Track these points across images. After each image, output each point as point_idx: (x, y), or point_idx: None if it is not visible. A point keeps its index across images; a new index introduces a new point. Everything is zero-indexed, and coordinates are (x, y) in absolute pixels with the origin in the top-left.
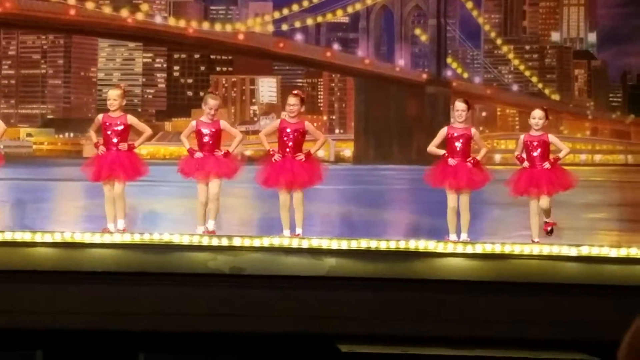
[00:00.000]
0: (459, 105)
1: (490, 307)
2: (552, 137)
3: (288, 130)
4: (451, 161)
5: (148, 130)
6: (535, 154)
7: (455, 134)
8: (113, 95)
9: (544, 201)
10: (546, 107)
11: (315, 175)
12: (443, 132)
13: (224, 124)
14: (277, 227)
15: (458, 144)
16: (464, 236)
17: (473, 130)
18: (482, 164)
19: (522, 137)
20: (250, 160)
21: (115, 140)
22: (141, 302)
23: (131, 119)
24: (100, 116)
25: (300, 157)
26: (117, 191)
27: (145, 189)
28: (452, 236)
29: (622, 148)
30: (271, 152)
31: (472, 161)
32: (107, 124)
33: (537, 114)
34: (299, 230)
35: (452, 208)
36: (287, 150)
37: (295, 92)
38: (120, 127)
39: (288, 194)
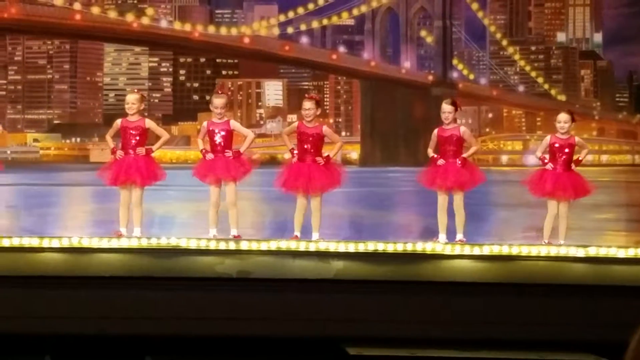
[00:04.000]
0: (445, 108)
1: (498, 309)
2: (578, 140)
3: (306, 134)
4: (440, 161)
5: (165, 135)
6: (561, 157)
7: (445, 135)
8: (131, 100)
9: (564, 207)
10: (571, 109)
11: (334, 180)
12: (435, 133)
13: (234, 124)
14: (288, 230)
15: (449, 146)
16: (459, 236)
17: (462, 129)
18: (472, 163)
19: (547, 138)
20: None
21: (133, 144)
22: (148, 306)
23: (149, 123)
24: (118, 121)
25: (320, 160)
26: (135, 199)
27: (153, 193)
28: (441, 237)
29: (629, 148)
30: (292, 151)
31: (460, 160)
32: (126, 128)
33: (563, 118)
34: (315, 235)
35: (440, 207)
36: (308, 154)
37: (310, 95)
38: (138, 131)
39: (306, 198)
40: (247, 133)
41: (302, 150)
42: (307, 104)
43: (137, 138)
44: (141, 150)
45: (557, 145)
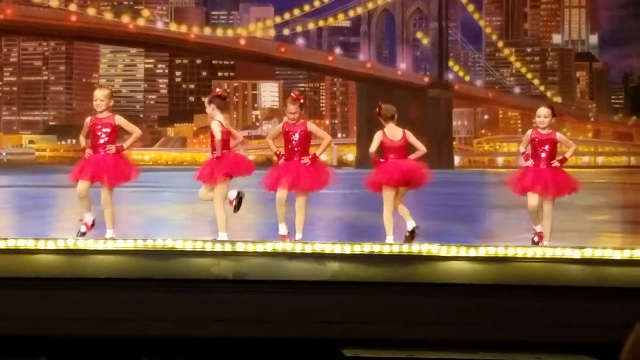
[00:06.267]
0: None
1: (494, 310)
2: (560, 136)
3: (291, 133)
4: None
5: (137, 131)
6: (542, 153)
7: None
8: (99, 96)
9: (547, 205)
10: (552, 104)
11: (320, 180)
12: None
13: (212, 125)
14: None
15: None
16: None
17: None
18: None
19: (529, 132)
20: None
21: (102, 142)
22: (144, 308)
23: (119, 120)
24: (88, 119)
25: (306, 160)
26: (103, 199)
27: (148, 194)
28: (389, 238)
29: (624, 150)
30: (278, 155)
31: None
32: (95, 125)
33: (543, 112)
34: (299, 235)
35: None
36: (295, 153)
37: (294, 96)
38: (107, 129)
39: (286, 191)
40: (237, 136)
41: (289, 150)
42: (293, 107)
43: (107, 135)
44: (111, 149)
45: (537, 140)
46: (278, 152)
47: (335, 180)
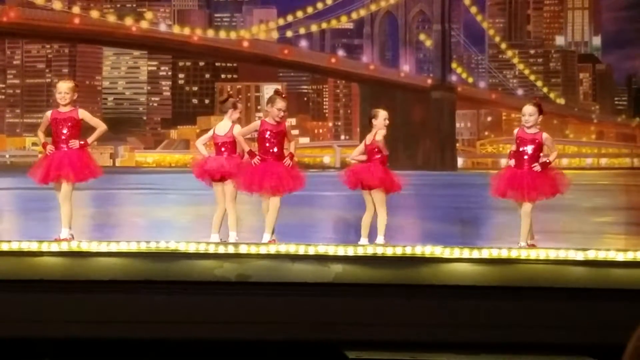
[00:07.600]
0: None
1: (497, 312)
2: (546, 137)
3: (270, 133)
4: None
5: (102, 125)
6: (524, 154)
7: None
8: (64, 89)
9: (526, 207)
10: (538, 101)
11: (300, 181)
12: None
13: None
14: (284, 233)
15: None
16: (380, 239)
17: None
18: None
19: (515, 132)
20: None
21: (64, 137)
22: (147, 310)
23: (82, 114)
24: (48, 113)
25: (288, 162)
26: (64, 193)
27: (152, 196)
28: (363, 240)
29: (627, 151)
30: (253, 154)
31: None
32: (57, 120)
33: (528, 110)
34: (267, 237)
35: (368, 210)
36: (270, 153)
37: (283, 94)
38: (70, 123)
39: (279, 197)
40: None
41: (265, 150)
42: (282, 104)
43: (69, 130)
44: (74, 144)
45: (521, 139)
46: (251, 150)
47: (337, 183)
